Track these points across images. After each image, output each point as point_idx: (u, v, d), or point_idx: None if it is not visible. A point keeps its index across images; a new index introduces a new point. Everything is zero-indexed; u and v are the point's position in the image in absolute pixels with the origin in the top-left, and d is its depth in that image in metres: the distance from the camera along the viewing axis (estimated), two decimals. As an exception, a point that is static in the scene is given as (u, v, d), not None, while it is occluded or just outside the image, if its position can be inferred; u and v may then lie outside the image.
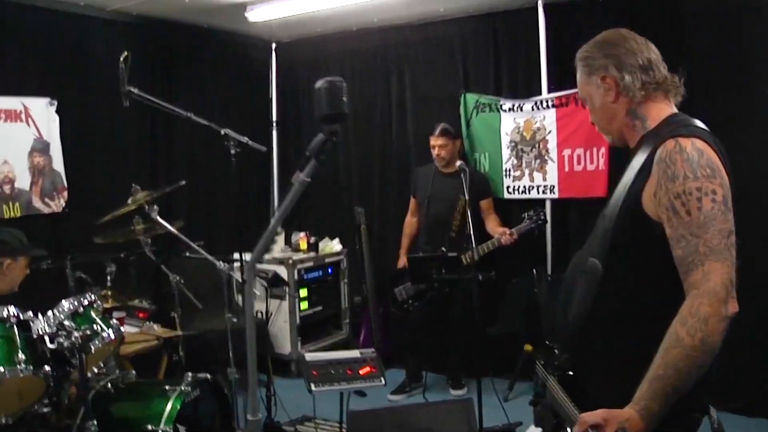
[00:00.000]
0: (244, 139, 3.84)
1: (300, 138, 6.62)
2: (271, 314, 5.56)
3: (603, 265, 1.89)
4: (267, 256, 5.97)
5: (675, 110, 1.99)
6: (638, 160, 1.88)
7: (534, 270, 4.75)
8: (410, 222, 5.60)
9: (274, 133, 6.72)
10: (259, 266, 5.48)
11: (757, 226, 4.07)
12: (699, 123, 1.92)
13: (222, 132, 3.81)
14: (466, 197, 4.50)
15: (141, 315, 4.55)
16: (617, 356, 1.86)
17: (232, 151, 3.84)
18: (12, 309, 3.22)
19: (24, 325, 3.23)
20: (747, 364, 4.25)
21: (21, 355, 3.11)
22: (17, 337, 3.16)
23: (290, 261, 5.81)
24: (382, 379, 2.85)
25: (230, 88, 6.32)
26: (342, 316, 6.39)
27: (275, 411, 4.46)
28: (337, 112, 1.95)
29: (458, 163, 4.79)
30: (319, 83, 1.96)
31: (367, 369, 2.84)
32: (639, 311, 1.77)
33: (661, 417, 1.66)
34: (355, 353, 2.92)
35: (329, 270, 6.26)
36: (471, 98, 5.59)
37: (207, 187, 5.92)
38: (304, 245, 6.16)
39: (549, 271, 5.21)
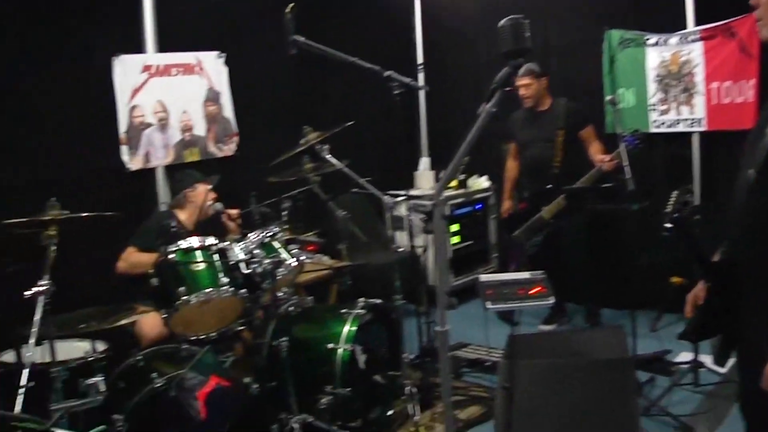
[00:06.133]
0: (407, 80, 4.02)
1: (445, 79, 6.76)
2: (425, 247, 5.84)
3: (756, 173, 1.99)
4: (419, 192, 6.26)
5: None
6: None
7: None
8: (511, 166, 5.67)
9: (420, 75, 6.89)
10: (417, 201, 5.78)
11: None
12: None
13: (386, 74, 3.99)
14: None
15: (310, 248, 4.92)
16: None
17: (396, 92, 4.02)
18: (212, 239, 3.64)
19: (222, 253, 3.65)
20: None
21: (224, 279, 3.52)
22: (218, 263, 3.58)
23: (442, 197, 6.04)
24: (551, 298, 3.00)
25: (375, 33, 6.47)
26: (491, 251, 6.61)
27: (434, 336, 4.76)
28: (521, 47, 2.13)
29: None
30: (502, 22, 2.14)
31: (537, 289, 3.00)
32: None
33: None
34: (525, 275, 3.07)
35: (478, 206, 6.49)
36: (615, 35, 5.55)
37: (358, 127, 6.16)
38: (454, 182, 6.38)
39: (697, 201, 5.21)
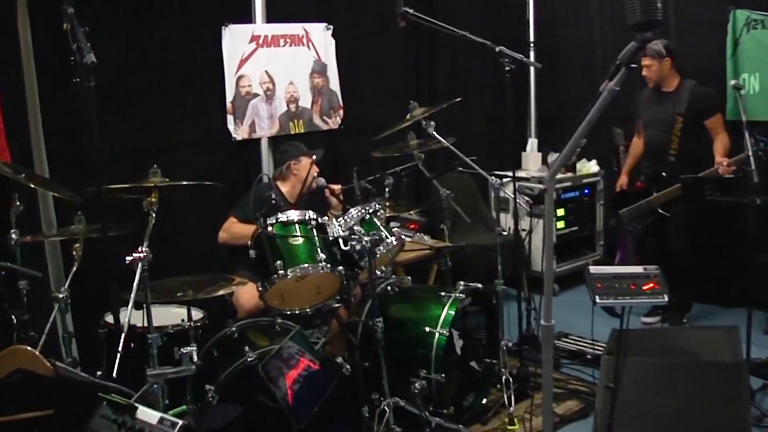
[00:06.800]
0: (519, 56, 3.85)
1: (555, 58, 6.53)
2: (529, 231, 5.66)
3: None
4: (525, 174, 6.06)
5: None
6: None
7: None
8: (636, 143, 5.34)
9: (532, 53, 6.64)
10: (523, 183, 5.60)
11: None
12: None
13: (497, 49, 3.85)
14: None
15: (412, 226, 4.83)
16: None
17: (507, 68, 3.87)
18: (311, 213, 3.59)
19: (320, 228, 3.59)
20: None
21: (321, 254, 3.46)
22: (316, 238, 3.52)
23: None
24: (665, 296, 2.80)
25: (486, 9, 6.32)
26: (597, 237, 6.35)
27: (535, 324, 4.60)
28: (651, 18, 1.95)
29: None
30: (631, -9, 1.96)
31: (651, 285, 2.79)
32: None
33: None
34: (638, 269, 2.87)
35: (586, 191, 6.22)
36: (741, 15, 5.13)
37: (466, 104, 6.00)
38: (561, 165, 6.14)
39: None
